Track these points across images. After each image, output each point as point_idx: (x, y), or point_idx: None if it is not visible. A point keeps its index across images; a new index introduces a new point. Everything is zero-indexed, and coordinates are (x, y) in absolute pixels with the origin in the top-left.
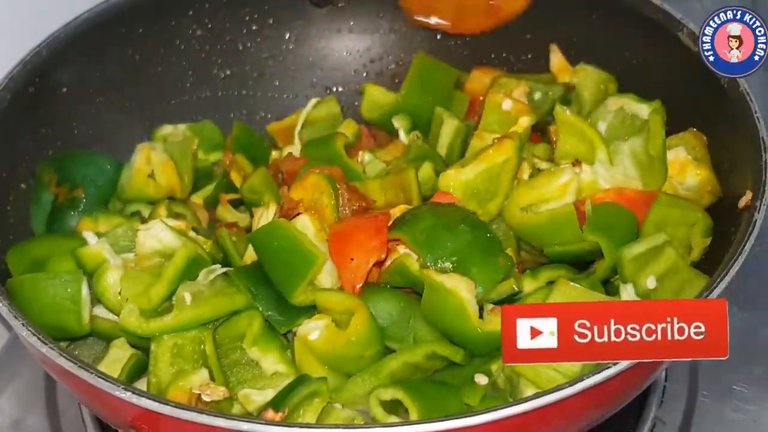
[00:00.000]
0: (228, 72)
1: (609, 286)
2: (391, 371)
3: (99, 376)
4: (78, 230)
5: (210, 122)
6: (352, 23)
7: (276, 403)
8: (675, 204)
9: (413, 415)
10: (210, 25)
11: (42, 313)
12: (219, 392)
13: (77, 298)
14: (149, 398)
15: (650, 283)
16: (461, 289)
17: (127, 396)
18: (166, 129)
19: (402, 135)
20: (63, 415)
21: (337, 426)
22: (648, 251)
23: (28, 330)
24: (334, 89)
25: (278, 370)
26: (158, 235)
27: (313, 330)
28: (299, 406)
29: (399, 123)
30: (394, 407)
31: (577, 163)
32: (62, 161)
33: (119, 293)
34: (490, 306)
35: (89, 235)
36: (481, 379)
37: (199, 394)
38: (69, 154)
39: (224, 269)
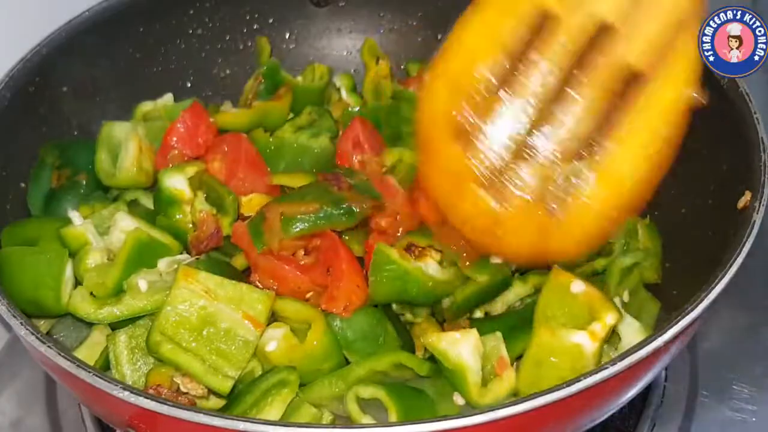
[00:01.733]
0: (228, 71)
1: None
2: (359, 377)
3: (97, 376)
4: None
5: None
6: (352, 23)
7: (244, 389)
8: None
9: (392, 416)
10: (211, 24)
11: (22, 286)
12: (198, 389)
13: (59, 277)
14: (147, 397)
15: (626, 296)
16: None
17: (125, 395)
18: (146, 105)
19: (344, 93)
20: (63, 415)
21: (336, 426)
22: (630, 266)
23: (27, 329)
24: None
25: None
26: (122, 225)
27: (270, 340)
28: (267, 394)
29: (341, 83)
30: (368, 407)
31: None
32: (66, 146)
33: (83, 283)
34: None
35: (75, 216)
36: (459, 399)
37: (179, 386)
38: (73, 141)
39: (190, 259)
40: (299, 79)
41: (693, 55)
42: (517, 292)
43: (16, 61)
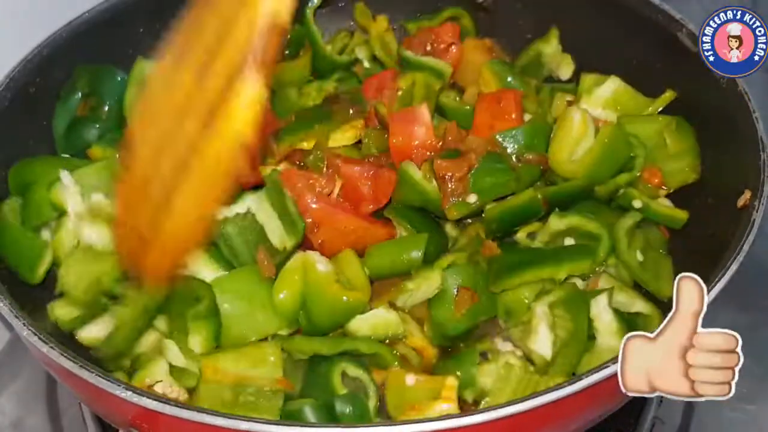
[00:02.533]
0: None
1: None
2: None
3: (99, 376)
4: (87, 154)
5: None
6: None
7: None
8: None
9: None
10: None
11: (5, 256)
12: (174, 392)
13: (36, 258)
14: (149, 397)
15: (639, 256)
16: None
17: (128, 395)
18: None
19: (366, 64)
20: (63, 415)
21: (337, 426)
22: (632, 226)
23: (29, 330)
24: None
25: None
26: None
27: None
28: None
29: (363, 54)
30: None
31: (570, 102)
32: (97, 72)
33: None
34: None
35: (65, 175)
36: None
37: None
38: (105, 68)
39: None
40: (329, 48)
41: (248, 97)
42: (554, 224)
43: (17, 61)
